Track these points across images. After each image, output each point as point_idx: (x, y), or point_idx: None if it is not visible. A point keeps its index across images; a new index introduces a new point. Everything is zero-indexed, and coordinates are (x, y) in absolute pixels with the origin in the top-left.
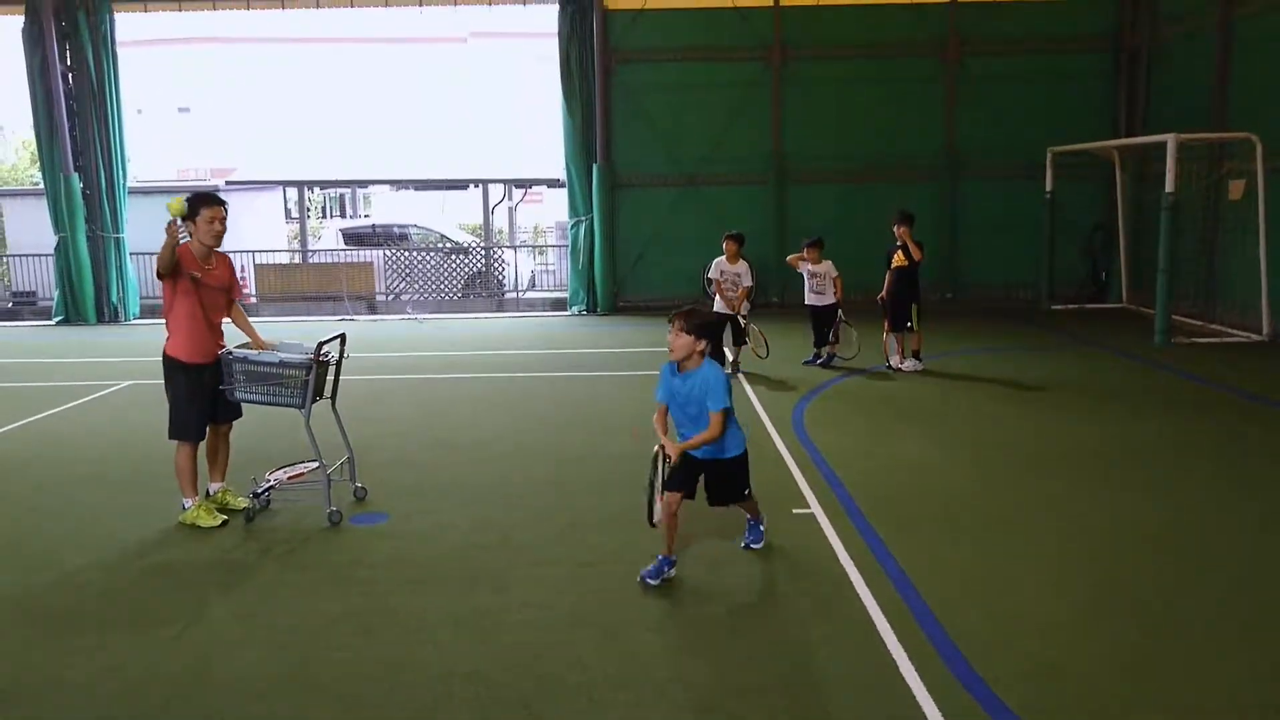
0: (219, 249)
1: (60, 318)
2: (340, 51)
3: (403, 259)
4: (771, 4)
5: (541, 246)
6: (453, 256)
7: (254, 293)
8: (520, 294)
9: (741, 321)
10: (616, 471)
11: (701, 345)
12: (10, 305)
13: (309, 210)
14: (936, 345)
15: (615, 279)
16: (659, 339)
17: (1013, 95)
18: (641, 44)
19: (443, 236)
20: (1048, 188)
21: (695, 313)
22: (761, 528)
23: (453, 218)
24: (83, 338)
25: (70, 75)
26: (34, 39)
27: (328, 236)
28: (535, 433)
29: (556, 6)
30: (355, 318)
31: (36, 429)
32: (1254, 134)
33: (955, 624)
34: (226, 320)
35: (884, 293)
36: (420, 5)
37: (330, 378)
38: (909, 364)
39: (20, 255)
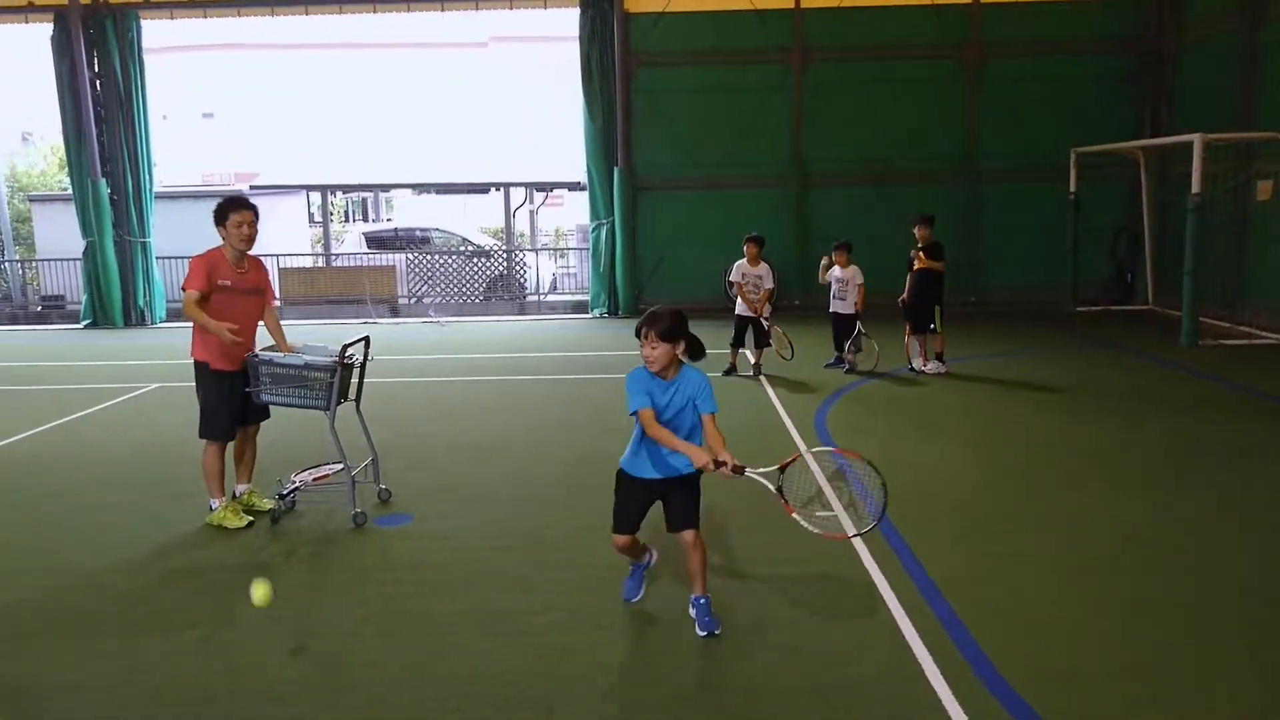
0: (251, 253)
1: (88, 321)
2: (362, 56)
3: (425, 262)
4: (792, 6)
5: (562, 249)
6: (474, 260)
7: (278, 296)
8: (541, 297)
9: (764, 324)
10: None
11: (680, 348)
12: (39, 309)
13: (332, 214)
14: (959, 348)
15: (636, 281)
16: None
17: (1035, 97)
18: (662, 47)
19: (464, 240)
20: (1071, 189)
21: (661, 316)
22: (711, 609)
23: (474, 221)
24: (110, 341)
25: (98, 82)
26: (63, 46)
27: (350, 240)
28: (557, 435)
29: (577, 10)
30: (378, 321)
31: (65, 432)
32: None
33: (980, 628)
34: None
35: (905, 295)
36: (442, 8)
37: (355, 380)
38: (932, 366)
39: (49, 260)
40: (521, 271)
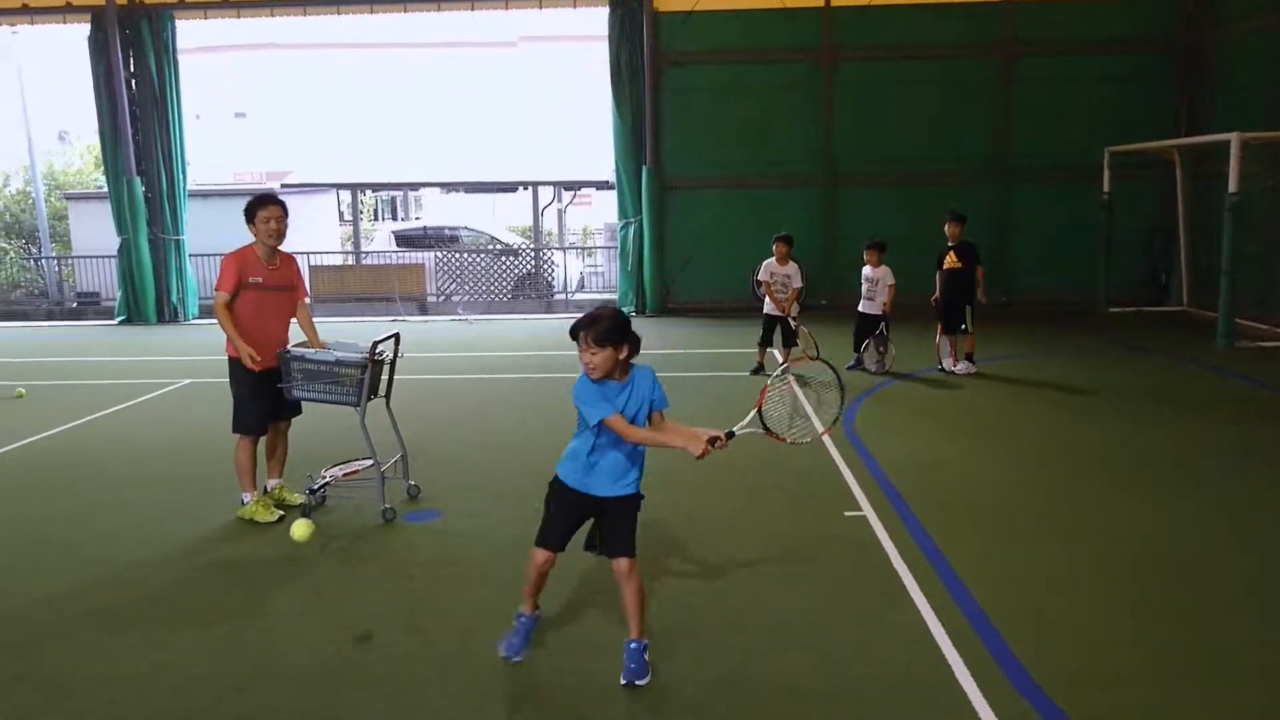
0: (282, 249)
1: (122, 318)
2: (393, 56)
3: (453, 260)
4: (822, 4)
5: (590, 248)
6: (502, 258)
7: (309, 293)
8: (569, 295)
9: (792, 323)
10: (662, 473)
11: (623, 352)
12: (75, 305)
13: (362, 213)
14: (990, 348)
15: (664, 280)
16: (708, 340)
17: (1066, 96)
18: (691, 45)
19: (493, 238)
20: (1105, 188)
21: (599, 319)
22: (647, 655)
23: (502, 220)
24: (144, 337)
25: (134, 81)
26: (99, 47)
27: (380, 238)
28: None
29: (606, 9)
30: (407, 318)
31: (99, 426)
32: None
33: (1010, 629)
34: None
35: (937, 295)
36: (472, 8)
37: (385, 377)
38: (962, 367)
39: (85, 257)
40: (549, 270)
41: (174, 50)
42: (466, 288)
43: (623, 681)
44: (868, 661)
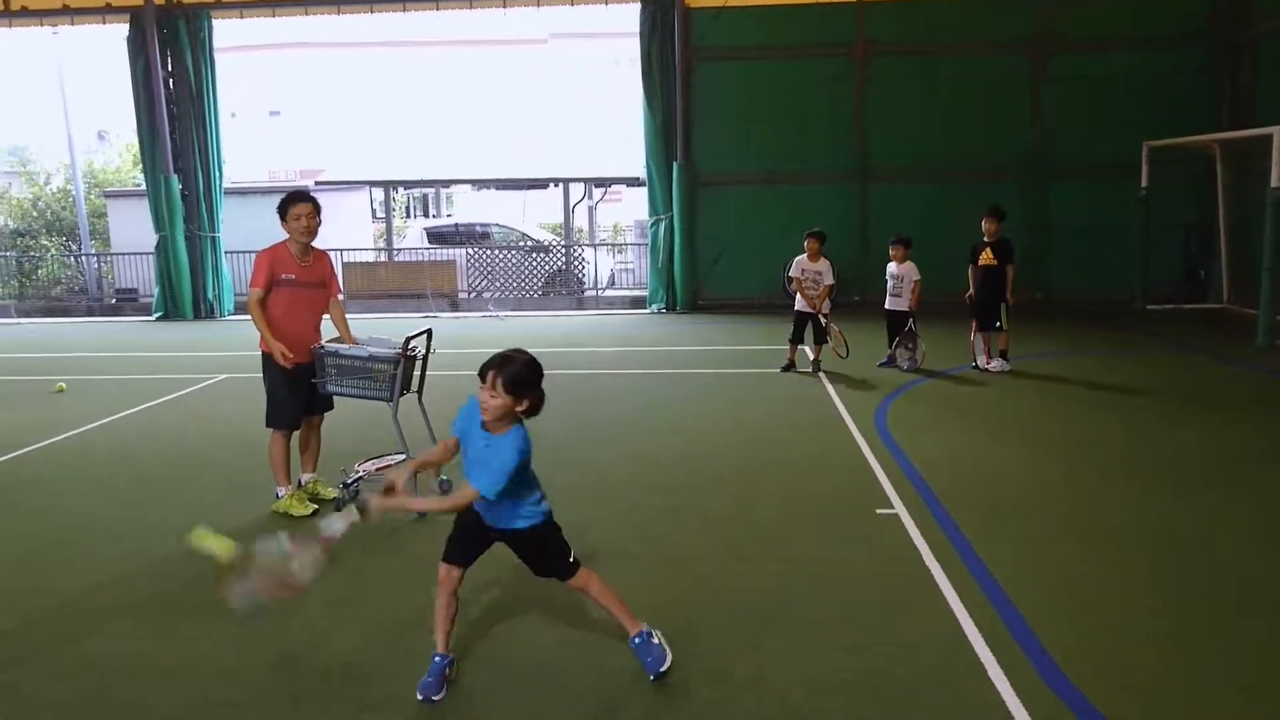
0: (316, 245)
1: (160, 314)
2: (425, 54)
3: (484, 257)
4: (854, 0)
5: (621, 245)
6: (533, 255)
7: (341, 290)
8: (600, 292)
9: (822, 320)
10: (693, 470)
11: (522, 406)
12: (114, 301)
13: (394, 210)
14: (1024, 346)
15: (695, 277)
16: (739, 337)
17: (1103, 92)
18: (723, 41)
19: (524, 235)
20: (1143, 183)
21: (513, 360)
22: (654, 639)
23: (533, 217)
24: (180, 333)
25: (171, 81)
26: (137, 46)
27: (412, 235)
28: (613, 430)
29: (638, 5)
30: (438, 315)
31: (137, 420)
32: None
33: (1046, 630)
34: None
35: (971, 291)
36: (504, 6)
37: (417, 372)
38: (996, 364)
39: (124, 254)
40: (580, 267)
41: (210, 49)
42: (497, 284)
43: (650, 677)
44: (900, 660)
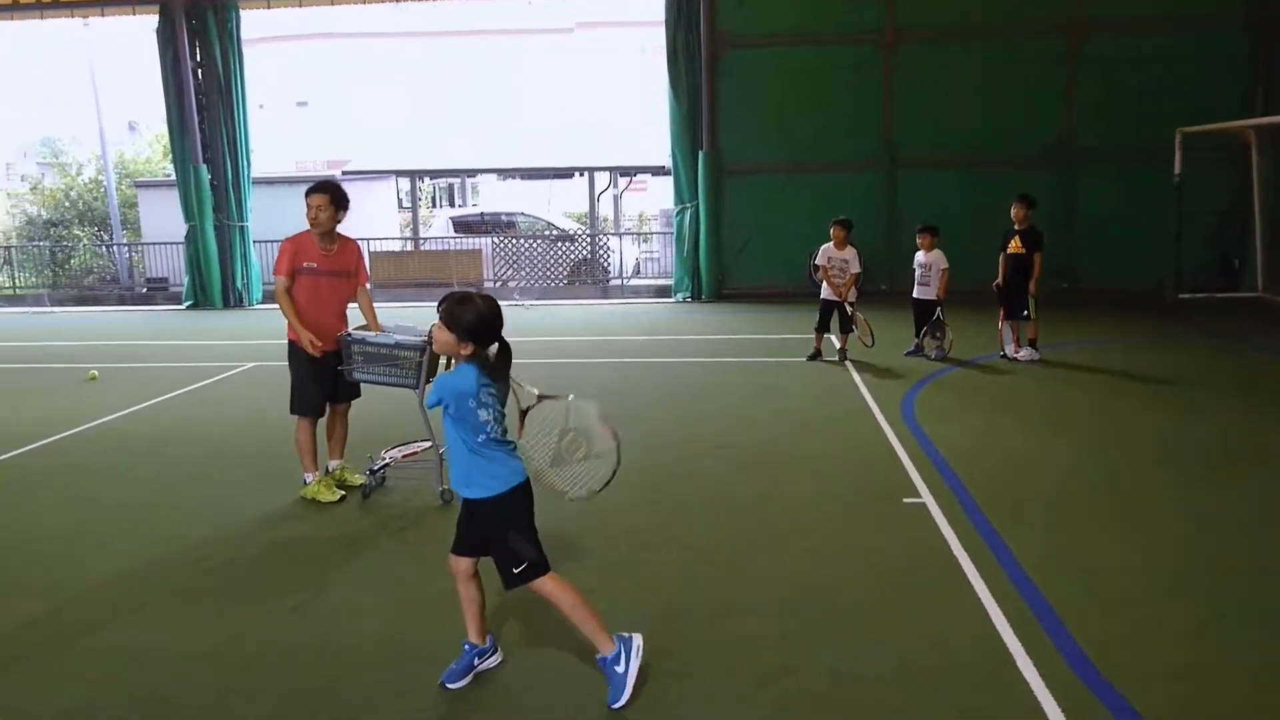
0: (345, 233)
1: (190, 302)
2: (451, 44)
3: (510, 246)
4: None
5: (646, 234)
6: (559, 244)
7: (369, 278)
8: (625, 281)
9: (848, 309)
10: (718, 458)
11: (467, 349)
12: (145, 290)
13: (420, 199)
14: (1054, 335)
15: (720, 266)
16: (764, 326)
17: (1136, 77)
18: (749, 29)
19: (549, 224)
20: (1176, 170)
21: (466, 303)
22: (619, 668)
23: (559, 206)
24: (210, 322)
25: (199, 72)
26: (166, 38)
27: (438, 224)
28: (637, 418)
29: None
30: None
31: (168, 407)
32: None
33: (1075, 620)
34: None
35: (999, 280)
36: None
37: (442, 360)
38: (1025, 353)
39: (154, 243)
40: (605, 255)
41: (238, 40)
42: (523, 273)
43: (613, 706)
44: (926, 650)
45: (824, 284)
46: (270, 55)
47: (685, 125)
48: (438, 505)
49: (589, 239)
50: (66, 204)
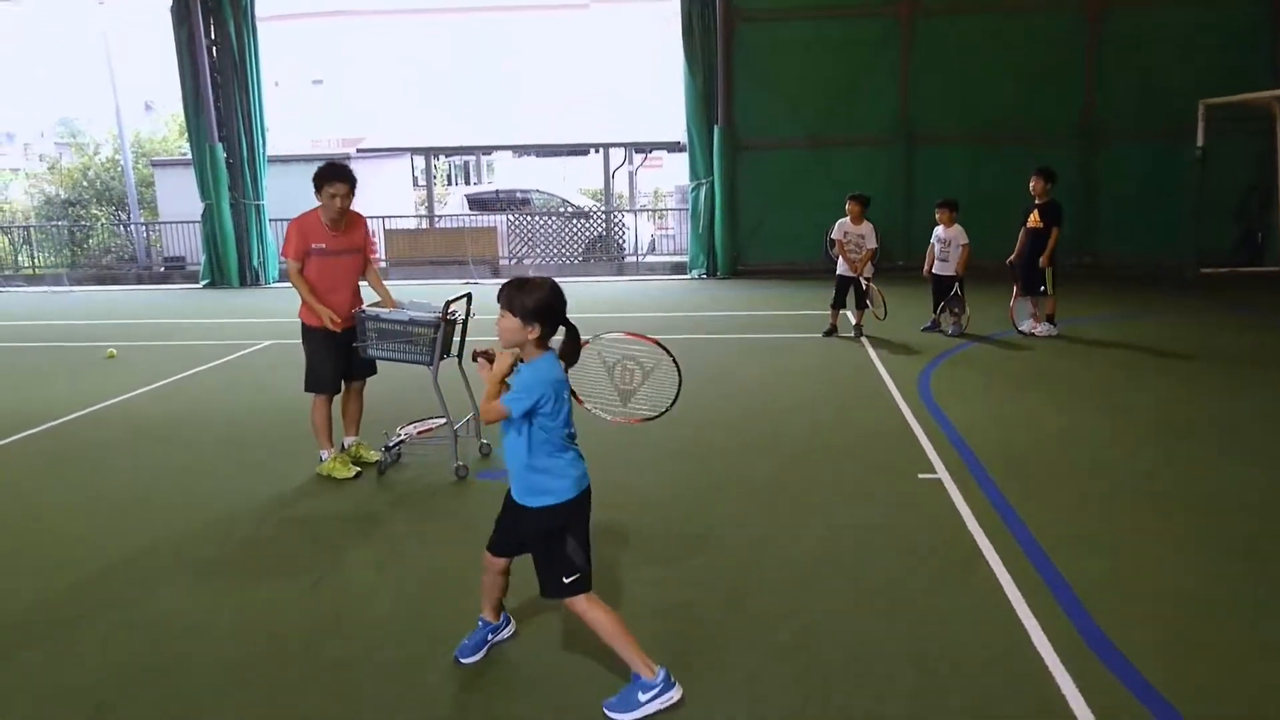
0: (354, 209)
1: (207, 281)
2: (466, 21)
3: (525, 224)
4: None
5: (661, 210)
6: (574, 221)
7: (383, 257)
8: (640, 258)
9: (863, 283)
10: (734, 434)
11: (534, 332)
12: (162, 270)
13: (435, 177)
14: (1072, 310)
15: (736, 243)
16: (780, 303)
17: (1158, 49)
18: (764, 2)
19: (564, 201)
20: (1199, 143)
21: (523, 285)
22: (643, 695)
23: (574, 183)
24: (226, 300)
25: (214, 49)
26: (181, 16)
27: (453, 202)
28: None
29: None
30: (479, 281)
31: (186, 385)
32: None
33: (1091, 595)
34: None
35: (1015, 255)
36: None
37: (457, 337)
38: (1043, 329)
39: (171, 222)
40: (620, 233)
41: (253, 18)
42: (538, 250)
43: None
44: (942, 626)
45: (840, 259)
46: (285, 33)
47: (700, 101)
48: (452, 481)
49: (604, 216)
50: (84, 184)
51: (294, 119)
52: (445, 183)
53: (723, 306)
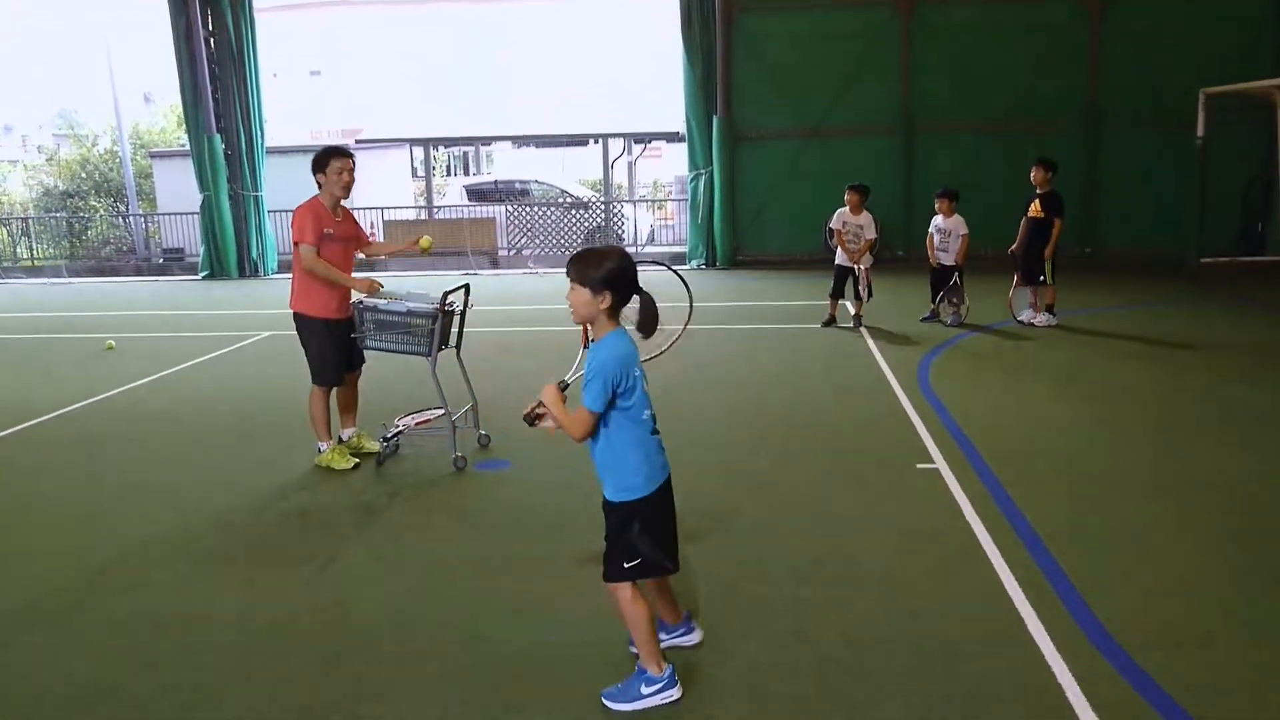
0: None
1: (206, 273)
2: (464, 11)
3: (524, 214)
4: None
5: (660, 201)
6: (573, 211)
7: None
8: (639, 248)
9: (858, 270)
10: (733, 424)
11: (605, 301)
12: (161, 261)
13: (434, 168)
14: (1073, 300)
15: (735, 233)
16: (780, 293)
17: (1161, 39)
18: None
19: (563, 192)
20: (1199, 133)
21: (590, 255)
22: (645, 689)
23: (573, 173)
24: (225, 292)
25: (212, 40)
26: (179, 7)
27: (452, 193)
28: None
29: None
30: (478, 272)
31: (185, 376)
32: None
33: (1090, 587)
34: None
35: (1016, 245)
36: None
37: (455, 328)
38: (1042, 319)
39: (170, 214)
40: (619, 223)
41: (251, 9)
42: (537, 241)
43: (602, 696)
44: (939, 616)
45: (838, 249)
46: (283, 24)
47: (699, 90)
48: (450, 473)
49: (603, 206)
50: (83, 175)
51: (292, 110)
52: (444, 174)
53: (722, 297)
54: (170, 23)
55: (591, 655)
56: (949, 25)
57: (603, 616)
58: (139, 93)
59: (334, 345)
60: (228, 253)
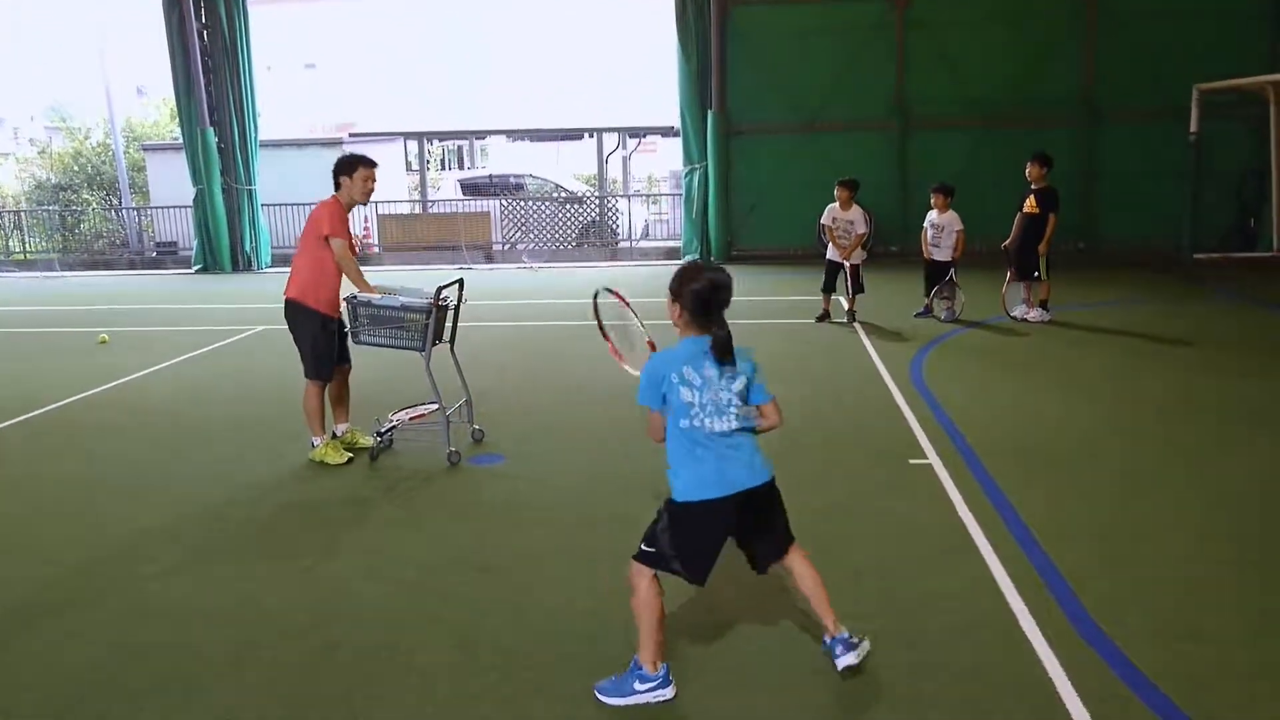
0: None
1: (199, 266)
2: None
3: (519, 209)
4: None
5: (655, 195)
6: (567, 206)
7: (376, 242)
8: (634, 243)
9: (847, 266)
10: None
11: (675, 312)
12: (155, 255)
13: (428, 162)
14: (1067, 296)
15: (729, 228)
16: (774, 288)
17: (1156, 33)
18: None
19: (557, 186)
20: (1192, 128)
21: (682, 269)
22: (639, 685)
23: (567, 168)
24: (219, 286)
25: (205, 33)
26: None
27: (446, 187)
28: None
29: None
30: (473, 266)
31: (179, 371)
32: None
33: (1081, 581)
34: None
35: (1010, 240)
36: None
37: (449, 323)
38: (1036, 314)
39: (163, 207)
40: (614, 217)
41: (244, 1)
42: (532, 235)
43: (595, 691)
44: (932, 611)
45: (830, 245)
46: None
47: (694, 84)
48: (444, 467)
49: (598, 201)
50: (75, 168)
51: (286, 103)
52: (438, 167)
53: None
54: (163, 15)
55: (585, 649)
56: (943, 19)
57: (596, 610)
58: (132, 85)
59: (326, 339)
60: (221, 246)
